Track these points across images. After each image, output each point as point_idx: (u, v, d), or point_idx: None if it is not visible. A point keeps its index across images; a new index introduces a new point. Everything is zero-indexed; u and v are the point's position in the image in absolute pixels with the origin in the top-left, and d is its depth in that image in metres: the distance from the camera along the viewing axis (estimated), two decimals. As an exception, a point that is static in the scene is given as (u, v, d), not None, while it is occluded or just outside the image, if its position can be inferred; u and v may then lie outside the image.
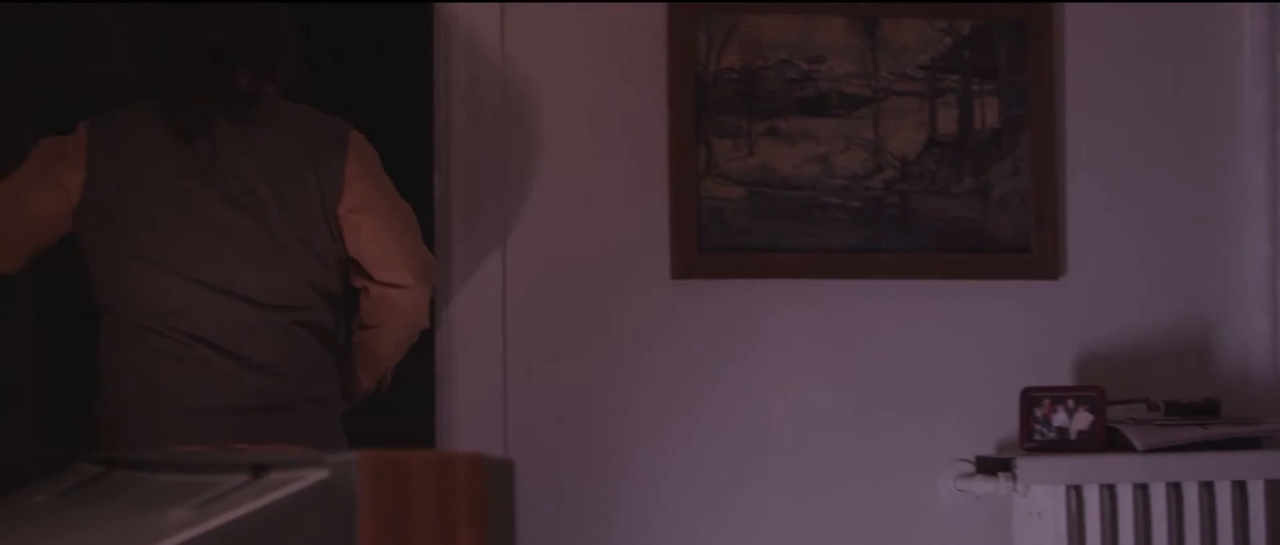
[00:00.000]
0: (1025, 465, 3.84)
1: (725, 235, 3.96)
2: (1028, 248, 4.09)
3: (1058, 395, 3.95)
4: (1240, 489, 3.92)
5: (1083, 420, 3.93)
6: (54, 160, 3.35)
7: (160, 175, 3.31)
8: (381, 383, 3.59)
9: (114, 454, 2.63)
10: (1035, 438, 3.95)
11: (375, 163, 3.42)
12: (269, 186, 3.31)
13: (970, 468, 4.00)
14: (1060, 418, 3.94)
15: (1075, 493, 3.84)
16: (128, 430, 3.27)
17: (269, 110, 3.37)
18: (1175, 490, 3.89)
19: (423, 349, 3.86)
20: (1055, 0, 4.13)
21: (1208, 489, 3.90)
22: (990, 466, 3.92)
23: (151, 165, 3.31)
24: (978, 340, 4.08)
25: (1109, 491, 3.85)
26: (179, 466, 2.26)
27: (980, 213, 4.07)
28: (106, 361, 3.36)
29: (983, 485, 3.92)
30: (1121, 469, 3.87)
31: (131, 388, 3.31)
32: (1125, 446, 3.90)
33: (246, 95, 3.34)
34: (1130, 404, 4.02)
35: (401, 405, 4.48)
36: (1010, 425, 4.03)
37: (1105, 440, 3.92)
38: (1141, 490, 3.87)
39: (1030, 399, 3.96)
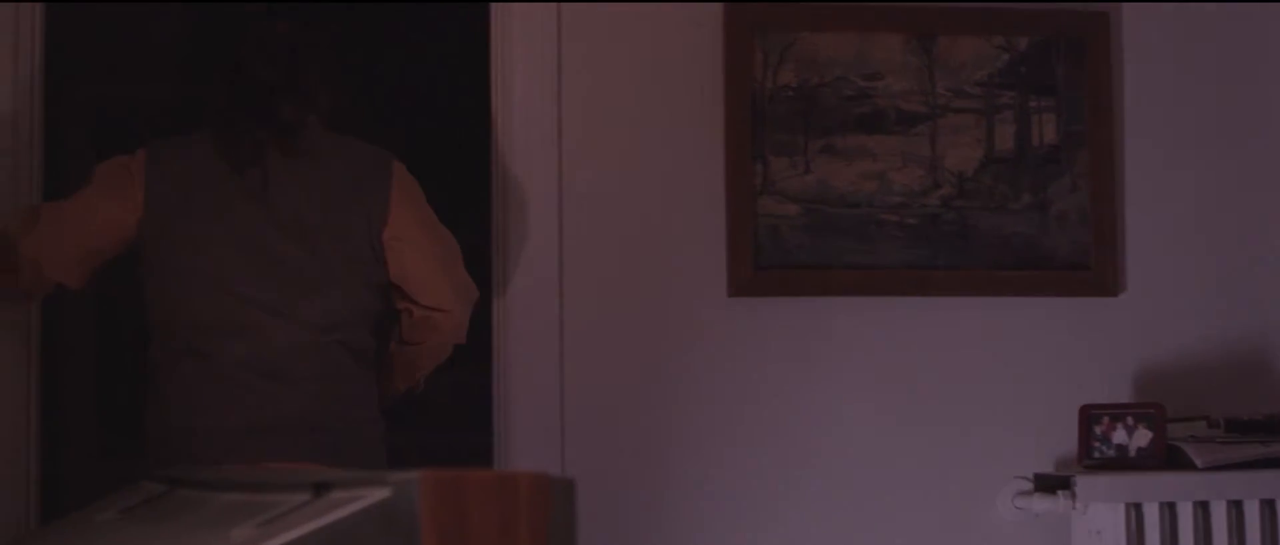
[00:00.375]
0: (1084, 483, 3.82)
1: (782, 253, 3.96)
2: (1086, 264, 4.07)
3: (1117, 412, 3.93)
4: (1302, 507, 3.90)
5: (1142, 438, 3.91)
6: (119, 175, 3.45)
7: (213, 199, 3.40)
8: (415, 387, 3.67)
9: (161, 471, 2.65)
10: (1094, 455, 3.93)
11: (417, 192, 3.53)
12: (317, 213, 3.41)
13: (1029, 486, 3.98)
14: (1120, 435, 3.92)
15: (1135, 511, 3.81)
16: (171, 447, 3.34)
17: (315, 140, 3.46)
18: (1236, 508, 3.86)
19: (479, 364, 3.87)
20: (1116, 0, 4.11)
21: (1269, 507, 3.87)
22: (1049, 484, 3.90)
23: (205, 189, 3.41)
24: (1036, 357, 4.06)
25: (1169, 509, 3.83)
26: (241, 486, 2.27)
27: (1038, 229, 4.06)
28: (152, 379, 3.43)
29: (1041, 503, 3.90)
30: (1182, 487, 3.84)
31: (175, 405, 3.37)
32: (1185, 464, 3.87)
33: (293, 127, 3.43)
34: (1190, 421, 4.00)
35: (457, 421, 4.49)
36: (1069, 443, 4.01)
37: (1165, 458, 3.90)
38: (1202, 508, 3.84)
39: (1089, 416, 3.94)
